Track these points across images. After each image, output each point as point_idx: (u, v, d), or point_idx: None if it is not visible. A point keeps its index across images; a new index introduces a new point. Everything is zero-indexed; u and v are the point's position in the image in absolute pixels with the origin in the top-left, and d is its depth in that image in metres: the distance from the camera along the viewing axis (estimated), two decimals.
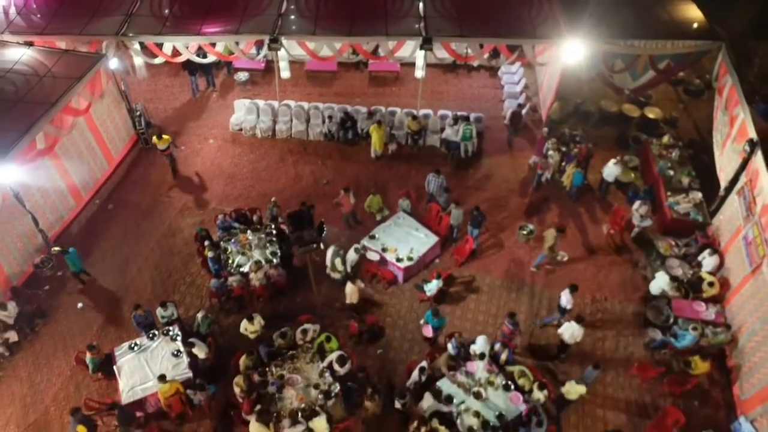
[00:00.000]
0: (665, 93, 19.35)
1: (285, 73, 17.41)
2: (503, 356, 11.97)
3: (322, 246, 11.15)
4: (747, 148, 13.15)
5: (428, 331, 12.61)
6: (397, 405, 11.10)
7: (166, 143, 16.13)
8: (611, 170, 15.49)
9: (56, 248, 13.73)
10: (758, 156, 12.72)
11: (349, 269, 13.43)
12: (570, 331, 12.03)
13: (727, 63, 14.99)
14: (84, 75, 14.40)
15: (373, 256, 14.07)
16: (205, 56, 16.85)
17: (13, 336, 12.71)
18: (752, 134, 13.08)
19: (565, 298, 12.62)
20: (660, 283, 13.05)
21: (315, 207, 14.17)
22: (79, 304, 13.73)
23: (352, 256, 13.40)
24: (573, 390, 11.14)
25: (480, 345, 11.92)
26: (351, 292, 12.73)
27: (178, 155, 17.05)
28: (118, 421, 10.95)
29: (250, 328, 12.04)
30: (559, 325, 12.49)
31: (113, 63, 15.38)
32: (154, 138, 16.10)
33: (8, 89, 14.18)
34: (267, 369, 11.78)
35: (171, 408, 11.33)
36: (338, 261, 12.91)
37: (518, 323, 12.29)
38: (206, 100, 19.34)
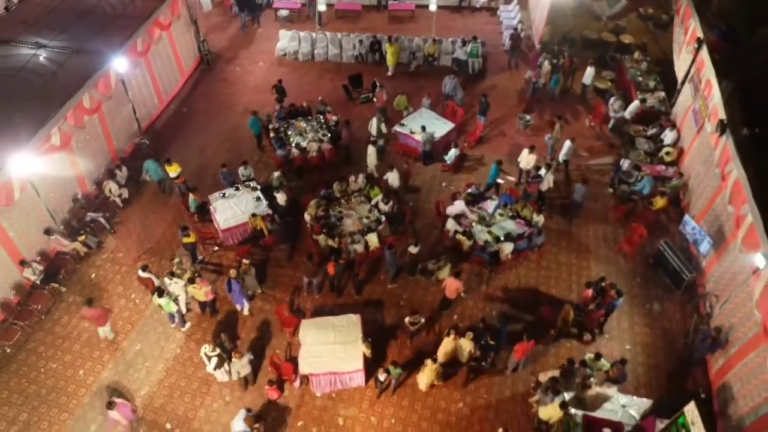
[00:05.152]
0: (637, 26, 23.15)
1: (321, 6, 21.01)
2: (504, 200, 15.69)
3: (375, 99, 14.62)
4: (696, 46, 16.88)
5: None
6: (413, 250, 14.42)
7: (177, 171, 15.82)
8: (588, 72, 19.25)
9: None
10: (704, 50, 16.48)
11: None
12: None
13: None
14: None
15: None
16: None
17: (125, 193, 16.16)
18: (699, 35, 16.82)
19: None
20: (566, 147, 16.76)
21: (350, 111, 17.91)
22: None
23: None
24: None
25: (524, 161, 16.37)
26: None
27: (238, 72, 20.35)
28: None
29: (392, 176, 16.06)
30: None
31: None
32: (166, 165, 15.83)
33: (108, 9, 17.74)
34: (328, 208, 15.33)
35: (267, 240, 14.86)
36: (383, 126, 16.48)
37: (541, 176, 15.93)
38: (253, 33, 22.99)
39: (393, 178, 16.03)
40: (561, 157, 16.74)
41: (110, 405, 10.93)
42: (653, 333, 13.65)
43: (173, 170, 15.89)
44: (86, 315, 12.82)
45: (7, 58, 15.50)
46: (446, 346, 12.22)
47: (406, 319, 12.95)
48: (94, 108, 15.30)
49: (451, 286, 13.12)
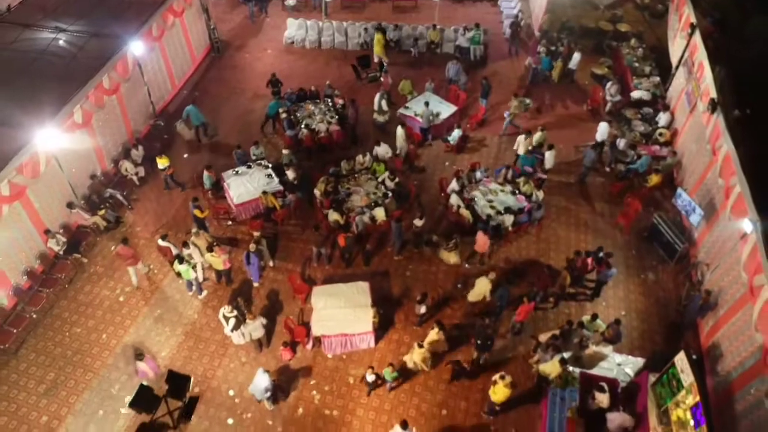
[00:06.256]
0: (633, 15, 23.89)
1: None
2: (509, 175, 16.36)
3: (382, 78, 15.31)
4: (689, 31, 17.59)
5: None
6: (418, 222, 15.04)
7: (166, 163, 16.26)
8: (575, 58, 20.22)
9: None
10: (697, 34, 17.18)
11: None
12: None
13: None
14: None
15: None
16: None
17: (141, 171, 16.84)
18: (693, 20, 17.53)
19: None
20: (604, 129, 17.43)
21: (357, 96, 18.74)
22: (185, 155, 17.92)
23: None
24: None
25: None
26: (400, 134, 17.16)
27: (247, 59, 21.11)
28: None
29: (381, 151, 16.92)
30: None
31: None
32: (157, 158, 16.39)
33: None
34: (337, 184, 16.02)
35: (278, 215, 15.55)
36: (384, 102, 17.19)
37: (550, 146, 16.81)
38: (261, 22, 23.74)
39: (383, 151, 16.82)
40: (598, 137, 17.37)
41: (139, 356, 11.60)
42: (647, 301, 14.33)
43: (163, 162, 16.34)
44: (120, 252, 13.98)
45: (30, 41, 16.18)
46: (431, 337, 12.52)
47: (422, 310, 13.27)
48: (113, 89, 15.98)
49: (480, 240, 14.15)
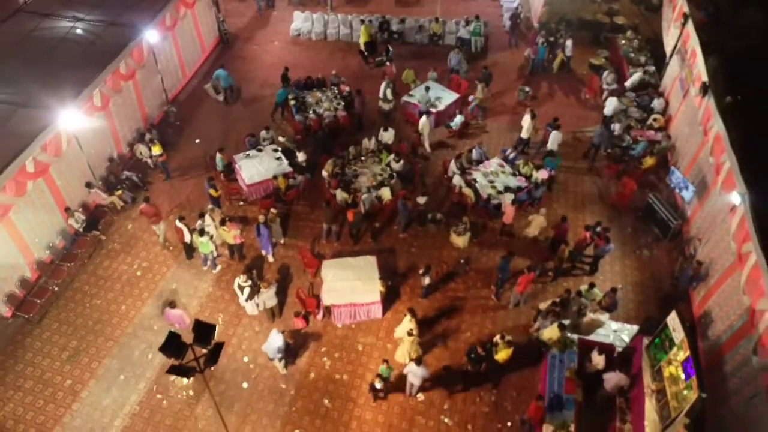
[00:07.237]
0: (629, 9, 24.59)
1: None
2: (512, 156, 17.02)
3: (388, 64, 15.98)
4: (683, 21, 18.27)
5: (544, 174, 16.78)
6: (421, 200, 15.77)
7: (159, 150, 16.66)
8: (568, 45, 20.94)
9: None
10: (689, 24, 17.86)
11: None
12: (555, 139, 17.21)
13: None
14: None
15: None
16: None
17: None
18: (686, 10, 18.22)
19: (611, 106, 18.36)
20: (613, 103, 18.07)
21: (362, 85, 19.38)
22: (197, 140, 18.57)
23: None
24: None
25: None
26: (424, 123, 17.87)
27: (255, 50, 21.73)
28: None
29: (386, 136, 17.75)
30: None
31: None
32: (150, 145, 16.76)
33: None
34: (344, 167, 16.66)
35: (288, 195, 16.18)
36: (389, 91, 17.87)
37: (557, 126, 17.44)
38: (268, 16, 24.43)
39: (387, 136, 17.55)
40: (606, 112, 18.27)
41: (172, 304, 12.29)
42: (642, 275, 14.97)
43: (157, 149, 16.79)
44: (144, 210, 14.78)
45: (49, 29, 16.83)
46: (405, 326, 12.72)
47: (426, 281, 13.90)
48: (129, 75, 16.62)
49: (508, 211, 15.18)
